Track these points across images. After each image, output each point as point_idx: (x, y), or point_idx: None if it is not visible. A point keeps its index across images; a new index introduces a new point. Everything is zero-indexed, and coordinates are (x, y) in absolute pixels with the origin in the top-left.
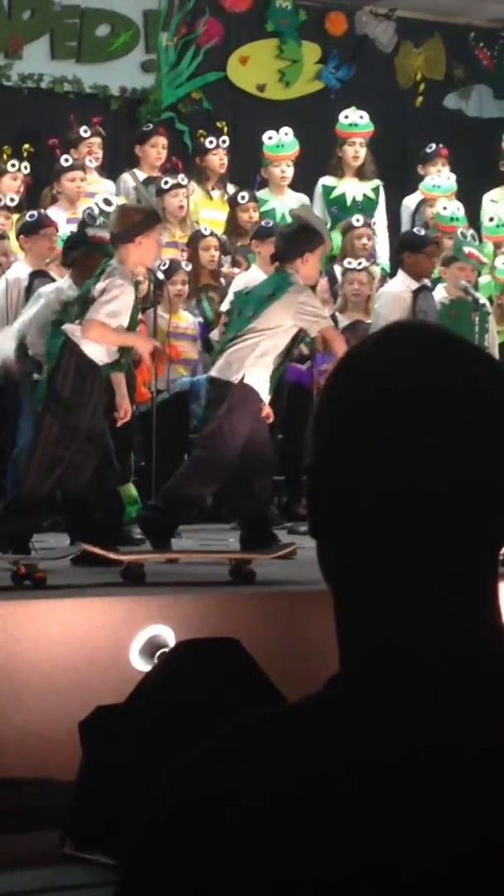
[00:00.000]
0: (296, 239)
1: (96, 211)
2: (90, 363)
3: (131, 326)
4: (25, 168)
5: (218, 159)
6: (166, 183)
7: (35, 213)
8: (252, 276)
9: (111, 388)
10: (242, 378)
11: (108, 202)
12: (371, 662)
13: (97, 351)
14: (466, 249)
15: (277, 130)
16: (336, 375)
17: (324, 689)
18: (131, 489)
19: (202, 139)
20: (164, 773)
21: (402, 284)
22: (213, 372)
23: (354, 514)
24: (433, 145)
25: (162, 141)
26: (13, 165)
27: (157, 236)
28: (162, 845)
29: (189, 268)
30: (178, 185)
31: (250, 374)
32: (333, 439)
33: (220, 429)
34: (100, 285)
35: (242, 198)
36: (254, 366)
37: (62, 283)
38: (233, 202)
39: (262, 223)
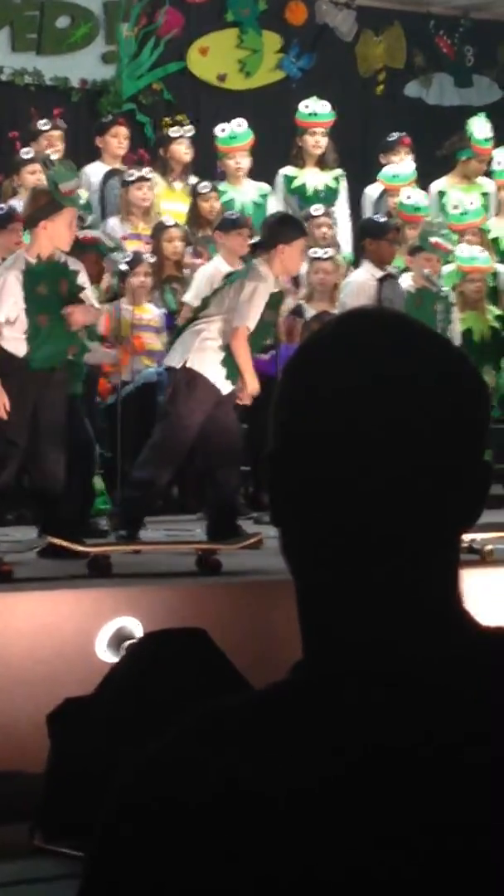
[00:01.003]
0: (273, 230)
1: None
2: (12, 359)
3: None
4: None
5: (183, 149)
6: (131, 175)
7: (3, 206)
8: (215, 266)
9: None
10: (185, 363)
11: None
12: (334, 649)
13: (14, 345)
14: (433, 239)
15: (229, 121)
16: (294, 362)
17: (288, 676)
18: (98, 483)
19: (166, 128)
20: (130, 759)
21: (366, 273)
22: (165, 360)
23: (313, 501)
24: (395, 134)
25: (123, 131)
26: None
27: (65, 221)
28: (133, 830)
29: (153, 259)
30: (143, 179)
31: (194, 358)
32: (290, 427)
33: (166, 414)
34: None
35: (204, 188)
36: (200, 350)
37: None
38: (194, 193)
39: (226, 214)
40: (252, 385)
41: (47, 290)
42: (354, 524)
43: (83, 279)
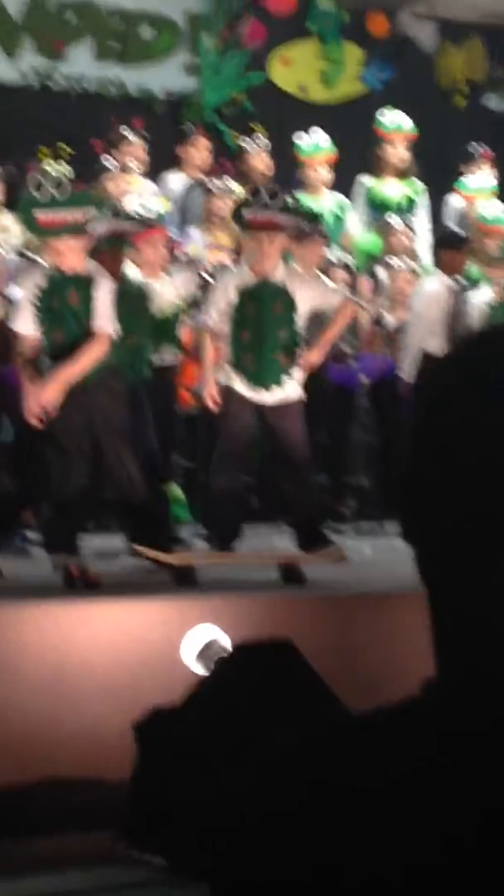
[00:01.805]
0: None
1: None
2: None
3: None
4: (69, 172)
5: (262, 161)
6: (213, 185)
7: None
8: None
9: (159, 390)
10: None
11: (144, 207)
12: (474, 670)
13: None
14: None
15: (308, 132)
16: (429, 381)
17: (421, 693)
18: (175, 490)
19: (237, 139)
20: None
21: (438, 282)
22: None
23: (452, 520)
24: (476, 146)
25: (204, 142)
26: (63, 172)
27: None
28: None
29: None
30: (225, 189)
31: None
32: (428, 445)
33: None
34: None
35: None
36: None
37: None
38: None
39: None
40: None
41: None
42: (500, 544)
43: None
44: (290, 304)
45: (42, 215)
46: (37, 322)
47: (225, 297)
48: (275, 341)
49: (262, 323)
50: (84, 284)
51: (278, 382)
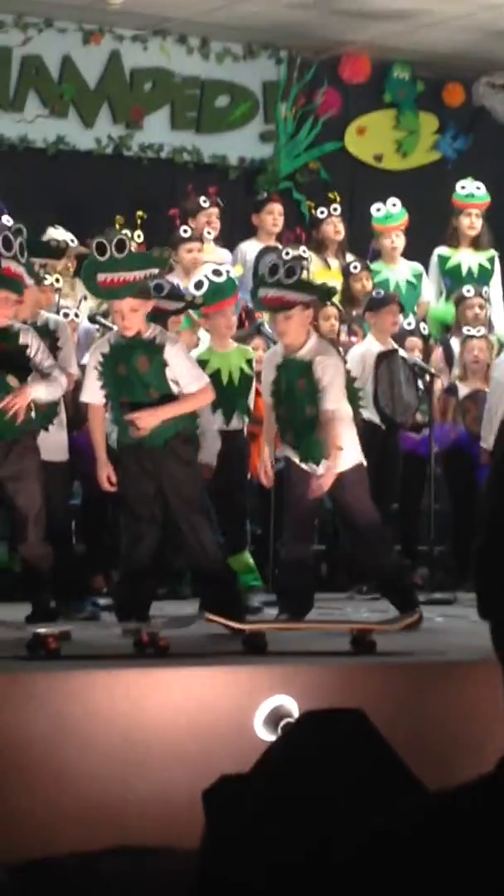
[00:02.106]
0: None
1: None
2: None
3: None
4: (139, 237)
5: (333, 228)
6: (287, 254)
7: (163, 282)
8: (367, 345)
9: (231, 456)
10: None
11: (217, 273)
12: None
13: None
14: None
15: (384, 202)
16: None
17: (498, 770)
18: (247, 557)
19: (313, 210)
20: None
21: None
22: None
23: None
24: None
25: (277, 208)
26: (125, 236)
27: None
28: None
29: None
30: (299, 258)
31: None
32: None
33: None
34: None
35: (354, 268)
36: None
37: None
38: (346, 272)
39: (374, 293)
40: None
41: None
42: None
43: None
44: (313, 381)
45: (102, 276)
46: (104, 389)
47: (267, 372)
48: (303, 418)
49: (291, 399)
50: (151, 349)
51: (319, 457)
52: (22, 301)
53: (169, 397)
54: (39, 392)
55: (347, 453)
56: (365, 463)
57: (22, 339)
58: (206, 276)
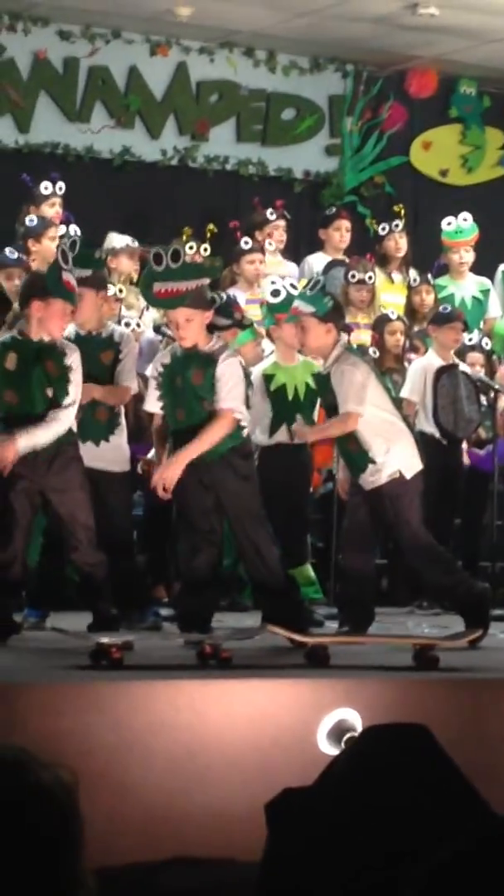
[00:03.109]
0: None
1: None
2: None
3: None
4: (205, 250)
5: (393, 244)
6: (353, 276)
7: (223, 294)
8: (428, 360)
9: (293, 469)
10: None
11: (293, 286)
12: None
13: None
14: None
15: (456, 216)
16: None
17: None
18: (308, 570)
19: (375, 226)
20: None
21: None
22: None
23: None
24: None
25: (345, 224)
26: (191, 248)
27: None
28: None
29: (376, 354)
30: (363, 282)
31: None
32: None
33: None
34: None
35: (415, 281)
36: None
37: None
38: (409, 286)
39: (441, 308)
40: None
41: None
42: None
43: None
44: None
45: (157, 287)
46: (161, 400)
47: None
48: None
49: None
50: (206, 362)
51: (361, 470)
52: (74, 311)
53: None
54: (31, 441)
55: (384, 469)
56: (409, 476)
57: (67, 361)
58: (283, 286)
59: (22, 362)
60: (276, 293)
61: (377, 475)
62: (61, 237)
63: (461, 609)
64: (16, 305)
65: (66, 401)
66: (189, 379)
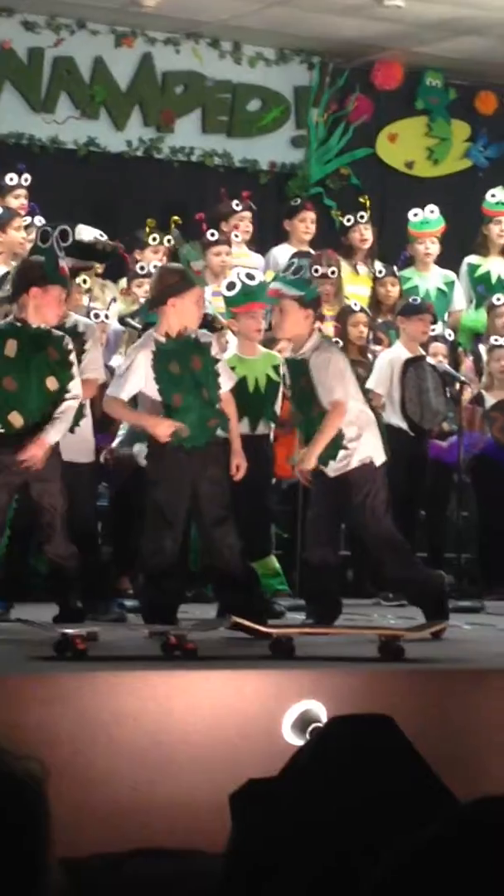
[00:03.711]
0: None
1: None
2: (155, 440)
3: (189, 394)
4: (169, 241)
5: (358, 235)
6: (316, 271)
7: None
8: (396, 352)
9: (257, 460)
10: None
11: (250, 276)
12: None
13: None
14: None
15: (423, 208)
16: None
17: None
18: (273, 561)
19: (340, 217)
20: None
21: None
22: None
23: None
24: None
25: (310, 216)
26: (154, 239)
27: (194, 299)
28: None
29: (340, 343)
30: (326, 276)
31: None
32: None
33: None
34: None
35: (380, 273)
36: None
37: None
38: (374, 277)
39: (410, 300)
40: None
41: (179, 367)
42: None
43: (215, 351)
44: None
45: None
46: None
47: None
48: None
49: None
50: (203, 350)
51: (331, 457)
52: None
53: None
54: (58, 435)
55: (358, 451)
56: (377, 464)
57: (69, 346)
58: (238, 278)
59: (22, 349)
60: (231, 286)
61: (346, 460)
62: (27, 227)
63: (419, 601)
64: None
65: (75, 391)
66: (190, 365)
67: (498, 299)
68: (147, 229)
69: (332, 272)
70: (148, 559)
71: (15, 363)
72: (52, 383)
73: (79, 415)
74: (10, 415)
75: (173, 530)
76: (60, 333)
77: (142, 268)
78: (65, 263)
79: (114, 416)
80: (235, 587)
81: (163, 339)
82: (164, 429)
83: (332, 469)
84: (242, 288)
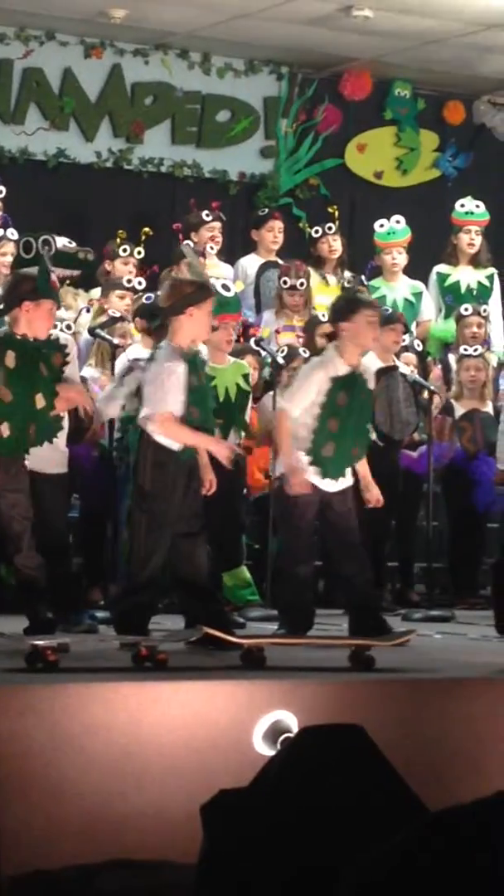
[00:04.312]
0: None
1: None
2: (167, 451)
3: (201, 407)
4: (139, 253)
5: (327, 246)
6: (285, 283)
7: (152, 296)
8: (367, 362)
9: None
10: None
11: (226, 287)
12: None
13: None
14: None
15: (389, 218)
16: None
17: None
18: (244, 572)
19: (308, 228)
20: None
21: None
22: None
23: None
24: None
25: (278, 225)
26: (125, 250)
27: (209, 309)
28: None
29: (307, 354)
30: (295, 288)
31: None
32: None
33: None
34: (150, 372)
35: (349, 283)
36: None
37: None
38: (342, 288)
39: (381, 310)
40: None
41: (197, 380)
42: None
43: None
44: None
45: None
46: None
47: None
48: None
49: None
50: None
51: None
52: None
53: None
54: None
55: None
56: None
57: (55, 361)
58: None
59: (19, 362)
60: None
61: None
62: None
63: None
64: None
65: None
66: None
67: (466, 309)
68: (118, 240)
69: (301, 284)
70: (136, 568)
71: (11, 375)
72: (39, 400)
73: (57, 426)
74: (1, 425)
75: (167, 541)
76: (54, 348)
77: (129, 280)
78: (55, 276)
79: (169, 433)
80: (205, 598)
81: (187, 352)
82: (227, 451)
83: (338, 484)
84: (217, 299)
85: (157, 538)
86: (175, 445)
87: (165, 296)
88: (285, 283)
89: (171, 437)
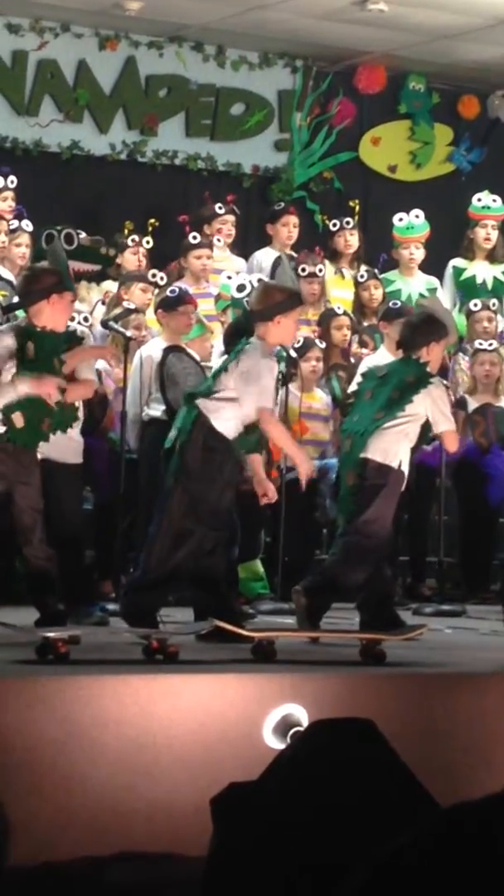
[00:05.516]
0: (423, 329)
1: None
2: (220, 437)
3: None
4: (147, 243)
5: (343, 241)
6: (304, 270)
7: (176, 288)
8: (381, 356)
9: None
10: (399, 465)
11: (241, 288)
12: None
13: (228, 426)
14: None
15: (408, 212)
16: None
17: None
18: (257, 565)
19: (327, 222)
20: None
21: None
22: (369, 454)
23: None
24: None
25: (293, 220)
26: (133, 241)
27: (296, 317)
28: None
29: (323, 345)
30: (314, 275)
31: (403, 460)
32: None
33: (380, 514)
34: (243, 365)
35: (362, 276)
36: (405, 452)
37: None
38: (356, 282)
39: (391, 304)
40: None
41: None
42: None
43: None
44: None
45: None
46: None
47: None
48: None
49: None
50: None
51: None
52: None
53: None
54: (72, 394)
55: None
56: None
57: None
58: (249, 281)
59: (41, 352)
60: (241, 287)
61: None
62: (13, 231)
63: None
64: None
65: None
66: None
67: (475, 304)
68: (126, 231)
69: (320, 270)
70: (154, 562)
71: (30, 366)
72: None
73: (72, 416)
74: (14, 415)
75: (198, 530)
76: (72, 340)
77: (153, 275)
78: (73, 270)
79: (272, 431)
80: (216, 590)
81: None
82: (310, 470)
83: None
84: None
85: (191, 524)
86: (231, 434)
87: (256, 300)
88: (304, 269)
89: (273, 434)
